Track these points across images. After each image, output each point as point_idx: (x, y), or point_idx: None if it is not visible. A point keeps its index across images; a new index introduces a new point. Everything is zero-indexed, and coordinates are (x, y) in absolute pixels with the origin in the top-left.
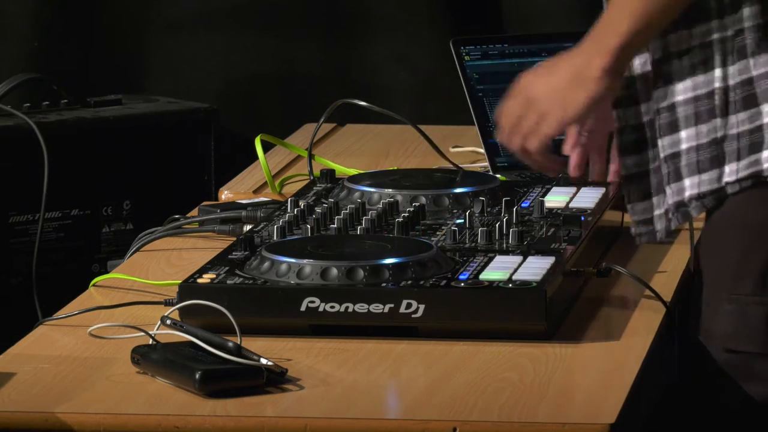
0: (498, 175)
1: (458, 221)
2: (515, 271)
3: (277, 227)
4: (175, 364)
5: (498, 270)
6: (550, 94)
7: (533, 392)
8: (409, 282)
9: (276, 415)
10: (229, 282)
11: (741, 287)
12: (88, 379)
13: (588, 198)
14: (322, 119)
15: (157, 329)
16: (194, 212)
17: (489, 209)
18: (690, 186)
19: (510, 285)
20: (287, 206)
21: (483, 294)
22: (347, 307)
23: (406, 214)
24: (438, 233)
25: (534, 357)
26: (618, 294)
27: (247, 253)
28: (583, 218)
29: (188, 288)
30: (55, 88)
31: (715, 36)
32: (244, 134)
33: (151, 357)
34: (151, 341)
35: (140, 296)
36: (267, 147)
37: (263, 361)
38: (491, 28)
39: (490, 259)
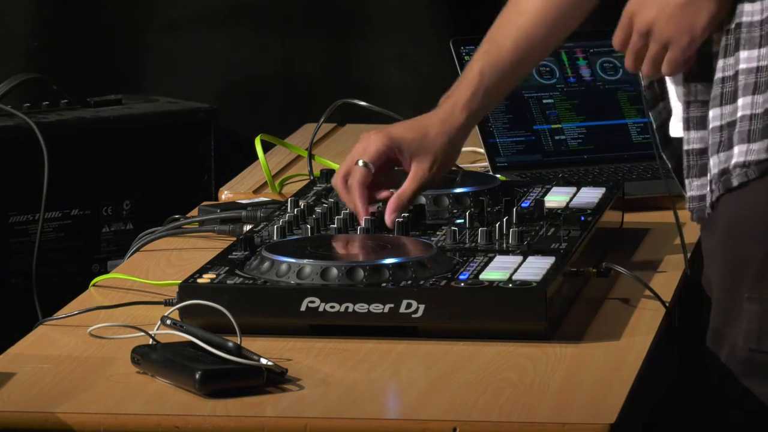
0: (498, 175)
1: (458, 221)
2: (515, 271)
3: (277, 227)
4: (175, 364)
5: (498, 270)
6: (667, 18)
7: (533, 392)
8: (409, 282)
9: (276, 415)
10: (229, 282)
11: (765, 285)
12: (88, 379)
13: (588, 198)
14: (322, 119)
15: (157, 329)
16: (194, 212)
17: (489, 209)
18: (738, 154)
19: (510, 285)
20: (287, 206)
21: (483, 294)
22: (347, 307)
23: (406, 214)
24: (438, 233)
25: (534, 357)
26: (618, 294)
27: (247, 253)
28: (583, 218)
29: (188, 288)
30: (55, 88)
31: None
32: (244, 134)
33: (151, 357)
34: (151, 341)
35: (140, 296)
36: (267, 147)
37: (263, 361)
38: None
39: (490, 259)
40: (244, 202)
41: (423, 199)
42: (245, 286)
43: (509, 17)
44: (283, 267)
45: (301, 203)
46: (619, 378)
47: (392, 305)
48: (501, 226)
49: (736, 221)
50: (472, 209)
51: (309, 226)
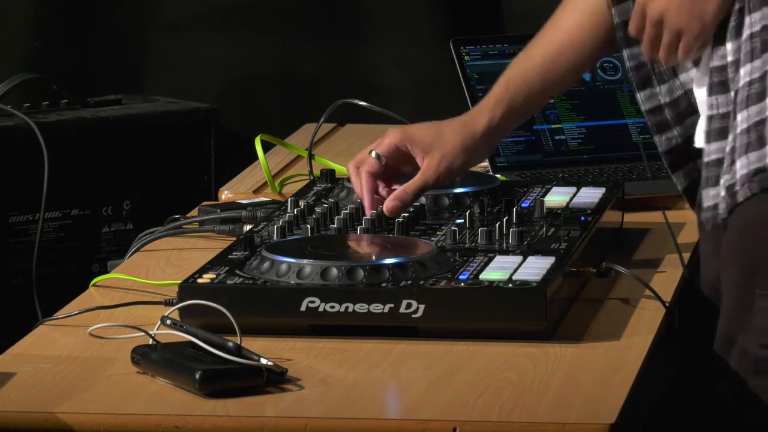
0: (498, 175)
1: (458, 221)
2: (515, 271)
3: (277, 227)
4: (175, 364)
5: (498, 270)
6: (677, 7)
7: (533, 392)
8: (409, 282)
9: (276, 415)
10: (229, 282)
11: None
12: (88, 379)
13: (588, 198)
14: (322, 119)
15: (157, 329)
16: (194, 212)
17: (489, 209)
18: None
19: (510, 285)
20: (287, 206)
21: (483, 294)
22: (347, 307)
23: (406, 214)
24: (438, 233)
25: (534, 357)
26: (618, 294)
27: (247, 253)
28: (583, 218)
29: (188, 288)
30: (55, 88)
31: None
32: (244, 134)
33: (151, 357)
34: (151, 341)
35: (140, 296)
36: (267, 147)
37: (263, 361)
38: (491, 28)
39: (490, 259)
40: (244, 202)
41: (423, 199)
42: (245, 286)
43: (547, 32)
44: (283, 267)
45: (301, 203)
46: (619, 378)
47: (392, 305)
48: (501, 226)
49: (755, 220)
50: (472, 209)
51: (309, 226)
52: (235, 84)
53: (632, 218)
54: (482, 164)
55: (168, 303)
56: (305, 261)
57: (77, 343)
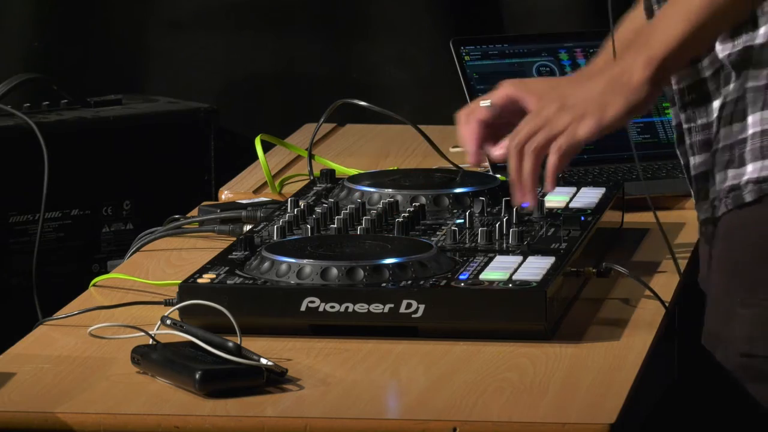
0: (498, 175)
1: (458, 221)
2: (515, 271)
3: (277, 227)
4: (175, 364)
5: (498, 270)
6: (587, 98)
7: (533, 392)
8: (409, 282)
9: (276, 415)
10: (229, 282)
11: (761, 290)
12: (88, 379)
13: (588, 198)
14: (322, 119)
15: (157, 329)
16: (194, 212)
17: (489, 209)
18: (752, 171)
19: (510, 285)
20: (287, 206)
21: (483, 294)
22: (347, 307)
23: (406, 214)
24: (438, 233)
25: (534, 357)
26: (618, 294)
27: (247, 253)
28: (583, 218)
29: (188, 288)
30: (55, 88)
31: None
32: (244, 134)
33: (151, 357)
34: (151, 341)
35: (140, 296)
36: (267, 147)
37: (263, 361)
38: (491, 28)
39: (490, 259)
40: (244, 202)
41: (423, 199)
42: (245, 286)
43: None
44: (283, 267)
45: (301, 203)
46: (619, 378)
47: (392, 305)
48: (501, 226)
49: (737, 228)
50: (472, 209)
51: (309, 226)
52: (235, 84)
53: (632, 218)
54: (482, 164)
55: (168, 303)
56: (305, 261)
57: (77, 343)
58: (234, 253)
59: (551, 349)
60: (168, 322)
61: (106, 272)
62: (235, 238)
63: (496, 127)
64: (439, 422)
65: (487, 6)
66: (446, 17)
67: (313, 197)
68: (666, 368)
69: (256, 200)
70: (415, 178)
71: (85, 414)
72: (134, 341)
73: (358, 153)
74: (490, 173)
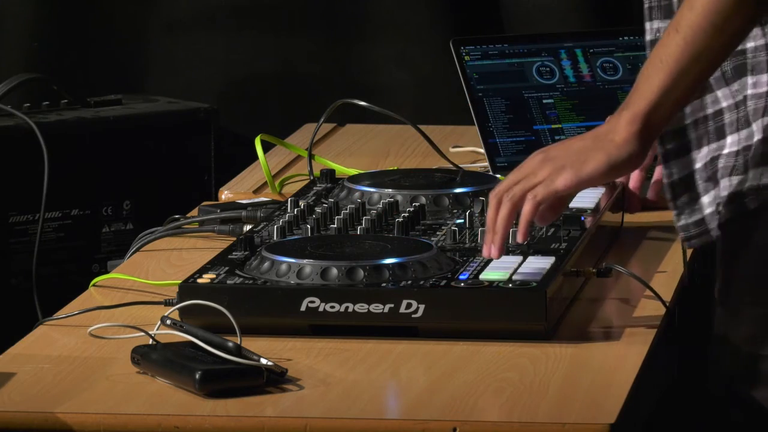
0: (498, 175)
1: (458, 221)
2: (515, 271)
3: (277, 227)
4: (175, 364)
5: (498, 270)
6: (570, 152)
7: (533, 392)
8: (409, 282)
9: (276, 415)
10: (229, 282)
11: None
12: (88, 379)
13: (588, 198)
14: (322, 119)
15: (157, 329)
16: (194, 212)
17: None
18: (753, 177)
19: (510, 285)
20: (287, 206)
21: (483, 294)
22: (347, 307)
23: (406, 214)
24: (438, 233)
25: (534, 357)
26: (618, 294)
27: (247, 253)
28: (583, 218)
29: (188, 288)
30: (55, 88)
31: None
32: (244, 134)
33: (151, 357)
34: (151, 341)
35: (140, 296)
36: (267, 147)
37: (263, 361)
38: (491, 28)
39: (490, 259)
40: (244, 202)
41: (423, 199)
42: (245, 286)
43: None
44: (283, 267)
45: (301, 203)
46: (619, 378)
47: (392, 305)
48: None
49: (742, 231)
50: (472, 209)
51: (309, 226)
52: (235, 84)
53: (632, 218)
54: (482, 164)
55: (168, 303)
56: (305, 261)
57: (77, 343)
58: (234, 253)
59: (551, 349)
60: (168, 322)
61: (106, 272)
62: (235, 238)
63: None
64: (439, 422)
65: (487, 6)
66: (446, 17)
67: (313, 197)
68: (666, 368)
69: (256, 200)
70: (415, 178)
71: (85, 414)
72: (134, 341)
73: (358, 153)
74: (490, 173)
